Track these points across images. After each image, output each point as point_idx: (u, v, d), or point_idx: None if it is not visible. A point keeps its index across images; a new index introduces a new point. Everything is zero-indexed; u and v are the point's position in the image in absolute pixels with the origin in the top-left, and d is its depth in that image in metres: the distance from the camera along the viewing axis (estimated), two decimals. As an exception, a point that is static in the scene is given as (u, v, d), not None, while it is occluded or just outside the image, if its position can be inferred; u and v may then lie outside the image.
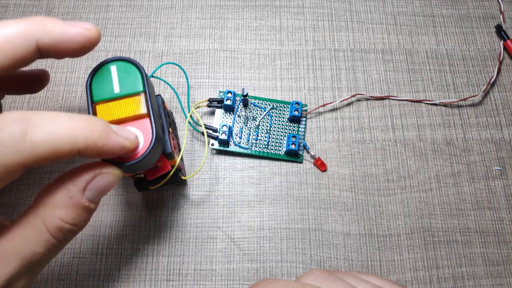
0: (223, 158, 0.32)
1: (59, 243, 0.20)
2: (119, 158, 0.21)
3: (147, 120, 0.22)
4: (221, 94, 0.32)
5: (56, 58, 0.21)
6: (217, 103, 0.31)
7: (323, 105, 0.33)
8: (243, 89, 0.31)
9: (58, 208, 0.20)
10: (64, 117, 0.18)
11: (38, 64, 0.34)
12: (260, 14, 0.36)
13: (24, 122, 0.17)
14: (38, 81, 0.26)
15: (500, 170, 0.32)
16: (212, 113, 0.33)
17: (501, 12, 0.36)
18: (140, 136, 0.21)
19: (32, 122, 0.17)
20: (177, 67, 0.34)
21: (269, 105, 0.32)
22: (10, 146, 0.17)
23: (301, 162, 0.32)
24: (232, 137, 0.31)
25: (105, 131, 0.19)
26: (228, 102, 0.31)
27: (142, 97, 0.22)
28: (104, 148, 0.19)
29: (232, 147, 0.31)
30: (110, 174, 0.21)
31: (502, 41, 0.35)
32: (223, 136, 0.30)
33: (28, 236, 0.19)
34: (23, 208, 0.30)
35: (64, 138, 0.18)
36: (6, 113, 0.17)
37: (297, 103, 0.32)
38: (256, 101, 0.32)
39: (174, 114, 0.32)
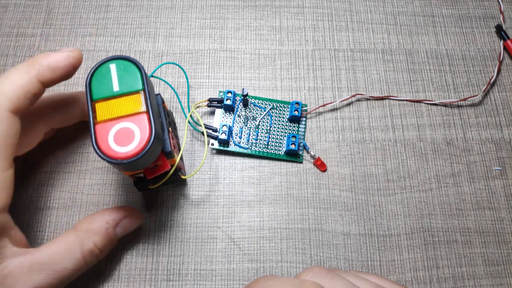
0: (223, 158, 0.32)
1: (85, 264, 0.25)
2: (115, 154, 0.21)
3: (146, 118, 0.22)
4: (221, 94, 0.32)
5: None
6: (217, 103, 0.31)
7: (323, 105, 0.33)
8: (243, 89, 0.31)
9: (95, 235, 0.25)
10: (12, 69, 0.23)
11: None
12: (260, 14, 0.36)
13: None
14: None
15: (500, 170, 0.32)
16: (212, 113, 0.33)
17: (501, 12, 0.36)
18: (139, 134, 0.21)
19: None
20: (177, 67, 0.34)
21: (269, 105, 0.32)
22: None
23: (301, 162, 0.31)
24: (232, 137, 0.31)
25: (44, 55, 0.23)
26: (228, 102, 0.31)
27: (141, 95, 0.22)
28: (52, 64, 0.23)
29: (232, 147, 0.31)
30: (136, 218, 0.28)
31: (502, 41, 0.35)
32: (223, 136, 0.30)
33: (64, 253, 0.24)
34: (23, 208, 0.30)
35: (21, 77, 0.22)
36: None
37: (297, 103, 0.32)
38: (256, 101, 0.32)
39: (174, 114, 0.32)
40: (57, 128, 0.29)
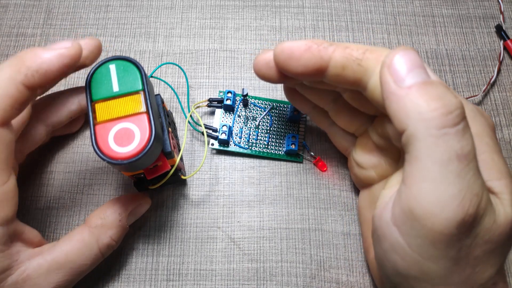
0: (223, 158, 0.32)
1: (102, 257, 0.25)
2: (115, 154, 0.21)
3: (146, 118, 0.22)
4: (221, 94, 0.32)
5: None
6: (217, 103, 0.31)
7: (323, 105, 0.33)
8: (243, 89, 0.31)
9: (110, 229, 0.25)
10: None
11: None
12: (260, 14, 0.36)
13: None
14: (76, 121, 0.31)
15: (500, 170, 0.32)
16: (212, 113, 0.33)
17: (501, 12, 0.36)
18: (139, 134, 0.21)
19: None
20: (177, 67, 0.34)
21: (269, 105, 0.32)
22: None
23: (301, 162, 0.32)
24: (232, 137, 0.31)
25: (32, 54, 0.19)
26: (228, 102, 0.31)
27: (141, 96, 0.22)
28: (42, 68, 0.19)
29: (232, 147, 0.31)
30: (146, 204, 0.28)
31: (502, 41, 0.35)
32: (223, 136, 0.30)
33: (81, 250, 0.24)
34: (23, 208, 0.30)
35: (4, 85, 0.19)
36: None
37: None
38: (256, 101, 0.32)
39: (173, 114, 0.32)
40: (57, 128, 0.28)
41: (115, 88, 0.22)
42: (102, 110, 0.22)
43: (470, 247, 0.18)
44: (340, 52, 0.21)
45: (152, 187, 0.25)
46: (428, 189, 0.18)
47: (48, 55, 0.20)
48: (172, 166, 0.25)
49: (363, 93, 0.21)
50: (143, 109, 0.22)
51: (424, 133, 0.17)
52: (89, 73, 0.23)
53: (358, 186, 0.29)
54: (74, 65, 0.21)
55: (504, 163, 0.20)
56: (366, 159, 0.26)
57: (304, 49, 0.21)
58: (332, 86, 0.23)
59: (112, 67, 0.23)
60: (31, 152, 0.27)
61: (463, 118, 0.18)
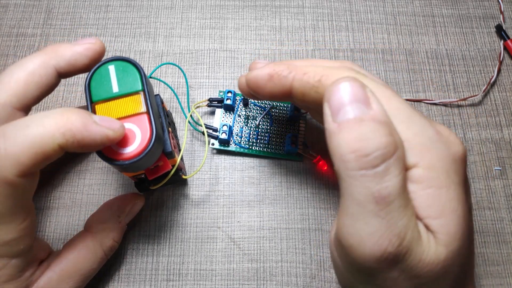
0: (223, 158, 0.32)
1: (106, 258, 0.26)
2: (116, 155, 0.21)
3: (146, 118, 0.22)
4: (221, 94, 0.32)
5: (72, 75, 0.23)
6: (217, 103, 0.31)
7: (323, 105, 0.33)
8: (243, 89, 0.31)
9: (111, 232, 0.26)
10: (37, 118, 0.19)
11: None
12: (260, 14, 0.36)
13: (0, 138, 0.18)
14: None
15: (500, 170, 0.32)
16: (212, 113, 0.33)
17: (501, 12, 0.36)
18: (139, 134, 0.21)
19: (7, 135, 0.18)
20: (176, 67, 0.34)
21: (269, 104, 0.32)
22: None
23: (301, 161, 0.32)
24: (232, 137, 0.31)
25: (82, 123, 0.19)
26: (228, 102, 0.31)
27: (141, 96, 0.22)
28: (85, 140, 0.19)
29: (232, 147, 0.31)
30: (141, 202, 0.28)
31: (502, 41, 0.35)
32: (224, 136, 0.30)
33: (87, 257, 0.24)
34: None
35: (41, 139, 0.18)
36: None
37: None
38: (256, 101, 0.32)
39: (173, 114, 0.32)
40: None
41: (115, 89, 0.22)
42: (103, 111, 0.22)
43: (397, 279, 0.18)
44: (298, 80, 0.21)
45: (154, 187, 0.25)
46: (348, 224, 0.18)
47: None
48: (173, 166, 0.25)
49: None
50: (144, 109, 0.22)
51: (343, 173, 0.18)
52: (89, 74, 0.22)
53: None
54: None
55: (453, 198, 0.19)
56: None
57: (267, 78, 0.22)
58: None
59: (112, 68, 0.22)
60: None
61: (384, 159, 0.17)
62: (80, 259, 0.24)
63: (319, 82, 0.20)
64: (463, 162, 0.20)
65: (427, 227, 0.18)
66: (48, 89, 0.23)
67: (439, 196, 0.18)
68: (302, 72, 0.21)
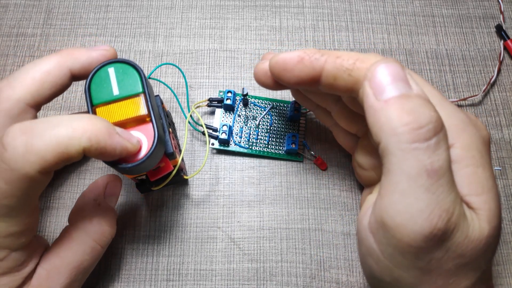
0: (223, 158, 0.32)
1: (101, 248, 0.24)
2: (120, 160, 0.21)
3: (148, 121, 0.22)
4: (221, 93, 0.32)
5: (84, 79, 0.23)
6: (217, 103, 0.31)
7: (323, 105, 0.33)
8: (243, 88, 0.31)
9: (94, 217, 0.24)
10: (66, 120, 0.19)
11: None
12: (260, 14, 0.36)
13: (27, 133, 0.18)
14: None
15: (500, 170, 0.32)
16: (212, 112, 0.33)
17: (501, 12, 0.36)
18: (142, 137, 0.21)
19: (34, 131, 0.18)
20: (176, 67, 0.34)
21: (269, 104, 0.32)
22: (18, 160, 0.18)
23: (301, 161, 0.32)
24: (232, 137, 0.31)
25: (108, 131, 0.19)
26: (228, 102, 0.31)
27: (141, 98, 0.22)
28: (106, 148, 0.19)
29: (232, 147, 0.31)
30: (116, 180, 0.26)
31: (502, 41, 0.35)
32: (224, 136, 0.30)
33: (75, 248, 0.23)
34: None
35: (68, 140, 0.18)
36: (9, 129, 0.18)
37: (297, 102, 0.32)
38: (256, 101, 0.32)
39: (173, 114, 0.32)
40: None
41: (115, 91, 0.22)
42: (104, 114, 0.22)
43: (441, 259, 0.18)
44: (331, 63, 0.21)
45: (155, 188, 0.25)
46: (397, 202, 0.18)
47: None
48: (174, 167, 0.25)
49: (357, 99, 0.22)
50: (145, 112, 0.22)
51: (395, 147, 0.18)
52: (88, 77, 0.22)
53: (362, 184, 0.29)
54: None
55: (489, 177, 0.20)
56: (366, 160, 0.26)
57: (297, 60, 0.22)
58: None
59: (111, 70, 0.22)
60: None
61: (436, 132, 0.18)
62: (67, 252, 0.23)
63: (353, 65, 0.20)
64: (489, 146, 0.21)
65: (467, 205, 0.19)
66: (61, 89, 0.23)
67: (478, 174, 0.19)
68: (335, 55, 0.21)
